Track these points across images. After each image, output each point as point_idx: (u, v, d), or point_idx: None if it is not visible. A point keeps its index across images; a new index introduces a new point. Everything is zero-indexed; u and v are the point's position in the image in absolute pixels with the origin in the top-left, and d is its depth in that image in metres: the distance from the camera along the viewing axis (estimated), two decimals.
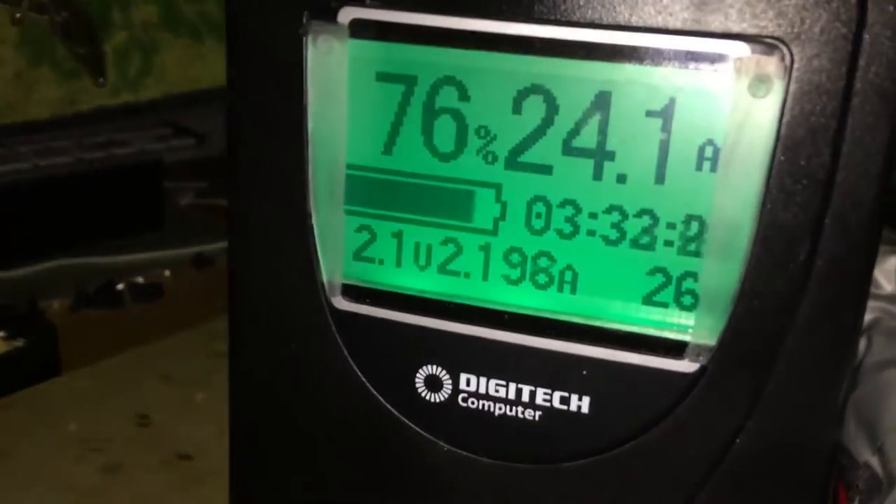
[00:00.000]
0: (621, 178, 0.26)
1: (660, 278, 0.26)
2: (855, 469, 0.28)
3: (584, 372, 0.26)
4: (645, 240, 0.26)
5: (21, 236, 0.64)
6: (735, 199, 0.24)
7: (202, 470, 0.46)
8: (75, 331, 0.59)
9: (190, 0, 0.71)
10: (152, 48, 0.69)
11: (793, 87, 0.23)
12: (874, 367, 0.30)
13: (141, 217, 0.70)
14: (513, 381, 0.27)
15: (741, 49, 0.23)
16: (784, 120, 0.23)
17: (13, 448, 0.47)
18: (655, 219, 0.26)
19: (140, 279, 0.64)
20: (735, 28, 0.23)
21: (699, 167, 0.25)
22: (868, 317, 0.31)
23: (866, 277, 0.24)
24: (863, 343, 0.31)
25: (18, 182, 0.63)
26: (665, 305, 0.26)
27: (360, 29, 0.26)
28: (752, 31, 0.23)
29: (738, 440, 0.26)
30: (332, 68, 0.27)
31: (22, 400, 0.52)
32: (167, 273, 0.65)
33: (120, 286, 0.63)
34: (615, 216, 0.26)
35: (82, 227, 0.67)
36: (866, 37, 0.22)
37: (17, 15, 0.56)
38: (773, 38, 0.23)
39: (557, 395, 0.27)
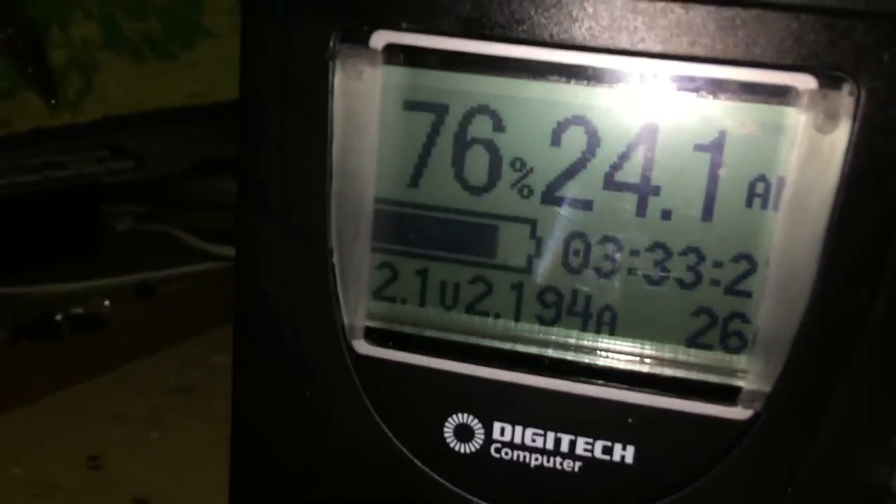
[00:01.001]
0: (666, 215, 0.25)
1: (705, 319, 0.25)
2: None
3: (629, 419, 0.25)
4: (690, 279, 0.25)
5: None
6: (795, 237, 0.23)
7: None
8: (11, 365, 0.56)
9: (132, 18, 0.68)
10: (93, 67, 0.66)
11: (860, 122, 0.22)
12: None
13: (78, 243, 0.68)
14: (551, 430, 0.26)
15: (808, 82, 0.22)
16: (850, 157, 0.22)
17: None
18: (702, 257, 0.25)
19: (79, 310, 0.61)
20: (800, 60, 0.22)
21: (749, 204, 0.24)
22: None
23: None
24: None
25: None
26: (710, 347, 0.25)
27: (393, 54, 0.24)
28: (818, 63, 0.22)
29: (790, 489, 0.25)
30: (361, 95, 0.25)
31: None
32: (107, 303, 0.62)
33: (58, 317, 0.60)
34: (658, 254, 0.25)
35: (16, 255, 0.64)
36: None
37: None
38: (840, 71, 0.22)
39: (600, 444, 0.26)
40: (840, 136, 0.22)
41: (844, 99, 0.22)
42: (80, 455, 0.50)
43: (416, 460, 0.26)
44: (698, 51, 0.23)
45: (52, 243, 0.66)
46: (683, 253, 0.25)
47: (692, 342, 0.25)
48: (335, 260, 0.26)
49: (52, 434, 0.51)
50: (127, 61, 0.69)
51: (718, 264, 0.25)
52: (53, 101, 0.57)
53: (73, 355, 0.59)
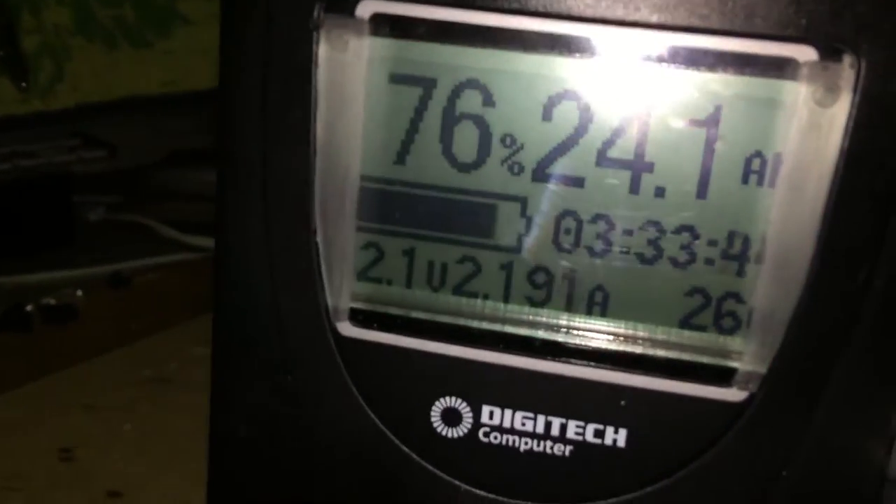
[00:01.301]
0: (660, 192, 0.24)
1: (699, 299, 0.25)
2: None
3: (622, 402, 0.24)
4: (683, 258, 0.24)
5: None
6: (793, 215, 0.23)
7: None
8: None
9: (105, 4, 0.67)
10: (65, 54, 0.65)
11: (860, 96, 0.22)
12: None
13: (50, 233, 0.67)
14: (541, 413, 0.25)
15: (808, 53, 0.22)
16: (850, 131, 0.22)
17: None
18: (696, 235, 0.24)
19: (51, 300, 0.60)
20: (800, 32, 0.21)
21: (745, 181, 0.24)
22: None
23: None
24: None
25: None
26: (703, 329, 0.25)
27: (380, 24, 0.23)
28: (818, 35, 0.21)
29: (785, 472, 0.24)
30: (347, 68, 0.24)
31: None
32: (80, 293, 0.61)
33: (29, 308, 0.58)
34: (652, 232, 0.24)
35: None
36: None
37: None
38: (841, 42, 0.21)
39: (591, 427, 0.25)
40: (840, 111, 0.22)
41: (846, 71, 0.22)
42: (53, 447, 0.48)
43: (402, 445, 0.26)
44: (695, 21, 0.22)
45: (23, 233, 0.65)
46: (677, 231, 0.24)
47: (685, 323, 0.25)
48: (319, 239, 0.25)
49: (24, 426, 0.50)
50: (100, 48, 0.68)
51: (713, 243, 0.24)
52: (24, 85, 0.56)
53: (44, 346, 0.58)
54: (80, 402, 0.53)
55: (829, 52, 0.22)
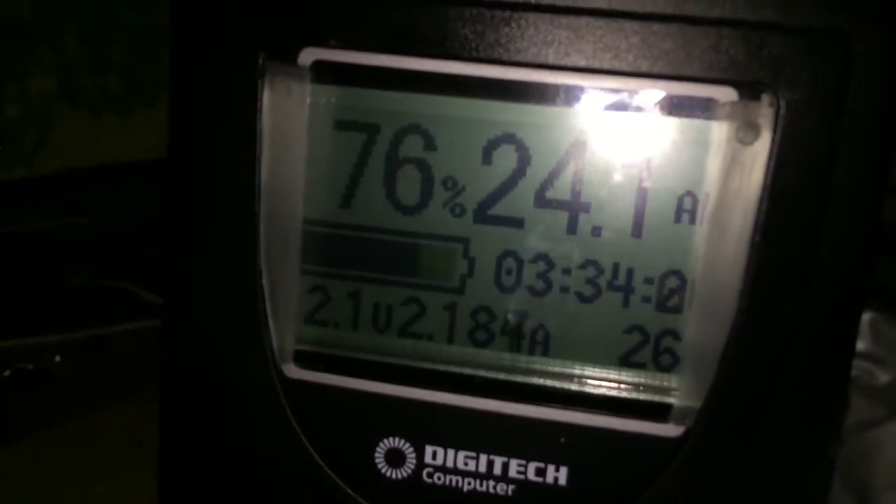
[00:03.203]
0: (597, 231, 0.25)
1: (637, 337, 0.25)
2: None
3: (562, 439, 0.25)
4: (621, 296, 0.25)
5: None
6: (720, 251, 0.23)
7: None
8: None
9: (90, 72, 0.68)
10: (49, 121, 0.66)
11: (780, 132, 0.22)
12: (856, 427, 0.29)
13: (29, 298, 0.66)
14: (483, 453, 0.25)
15: (728, 94, 0.22)
16: (771, 167, 0.22)
17: None
18: (632, 273, 0.25)
19: (28, 366, 0.59)
20: (721, 73, 0.22)
21: (678, 219, 0.24)
22: None
23: (853, 333, 0.24)
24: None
25: None
26: (643, 367, 0.25)
27: (322, 72, 0.24)
28: (738, 76, 0.22)
29: None
30: (290, 114, 0.25)
31: None
32: (58, 358, 0.61)
33: (6, 373, 0.58)
34: (590, 271, 0.25)
35: None
36: (852, 81, 0.22)
37: None
38: (760, 82, 0.22)
39: (533, 466, 0.25)
40: (762, 148, 0.23)
41: (764, 109, 0.22)
42: None
43: (346, 487, 0.26)
44: (624, 66, 0.23)
45: (2, 297, 0.65)
46: (614, 269, 0.25)
47: (625, 361, 0.25)
48: (264, 282, 0.25)
49: None
50: (84, 115, 0.69)
51: (649, 280, 0.25)
52: (0, 147, 0.56)
53: (19, 412, 0.57)
54: (54, 467, 0.53)
55: (749, 92, 0.22)
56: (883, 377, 0.30)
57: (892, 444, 0.28)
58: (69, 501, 0.49)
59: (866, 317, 0.30)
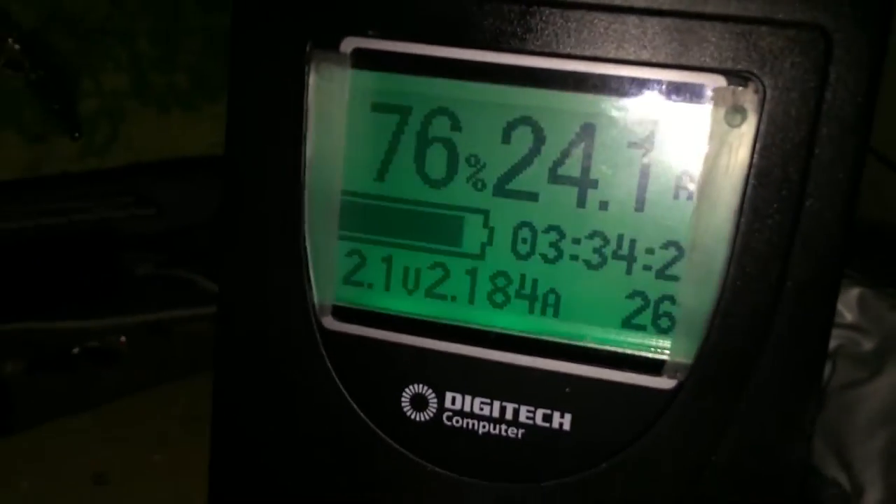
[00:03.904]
0: (603, 206, 0.27)
1: (638, 301, 0.28)
2: (823, 486, 0.29)
3: (567, 389, 0.27)
4: (624, 264, 0.28)
5: None
6: (711, 224, 0.26)
7: None
8: (29, 393, 0.58)
9: (159, 71, 0.72)
10: (120, 116, 0.70)
11: (765, 117, 0.25)
12: (838, 388, 0.31)
13: (98, 283, 0.70)
14: (497, 399, 0.28)
15: (718, 81, 0.25)
16: (757, 148, 0.25)
17: None
18: (635, 244, 0.27)
19: (96, 344, 0.63)
20: (712, 62, 0.25)
21: (676, 196, 0.27)
22: (833, 343, 0.33)
23: (832, 299, 0.26)
24: (829, 368, 0.32)
25: None
26: (643, 328, 0.28)
27: (361, 59, 0.28)
28: (727, 64, 0.25)
29: (714, 456, 0.27)
30: (333, 97, 0.28)
31: None
32: (123, 339, 0.64)
33: (75, 350, 0.62)
34: (597, 241, 0.28)
35: (40, 292, 0.66)
36: (832, 71, 0.24)
37: None
38: (747, 71, 0.25)
39: (540, 412, 0.28)
40: (748, 130, 0.25)
41: (750, 95, 0.25)
42: (87, 473, 0.51)
43: (375, 427, 0.29)
44: (626, 55, 0.26)
45: (75, 283, 0.69)
46: (619, 240, 0.27)
47: (627, 323, 0.28)
48: (308, 246, 0.29)
49: (61, 453, 0.53)
50: (153, 111, 0.73)
51: (650, 251, 0.27)
52: (77, 135, 0.60)
53: (87, 386, 0.61)
54: (115, 435, 0.56)
55: (737, 80, 0.25)
56: (867, 345, 0.32)
57: (868, 402, 0.30)
58: (129, 466, 0.53)
59: (855, 291, 0.33)
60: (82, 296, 0.68)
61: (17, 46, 0.56)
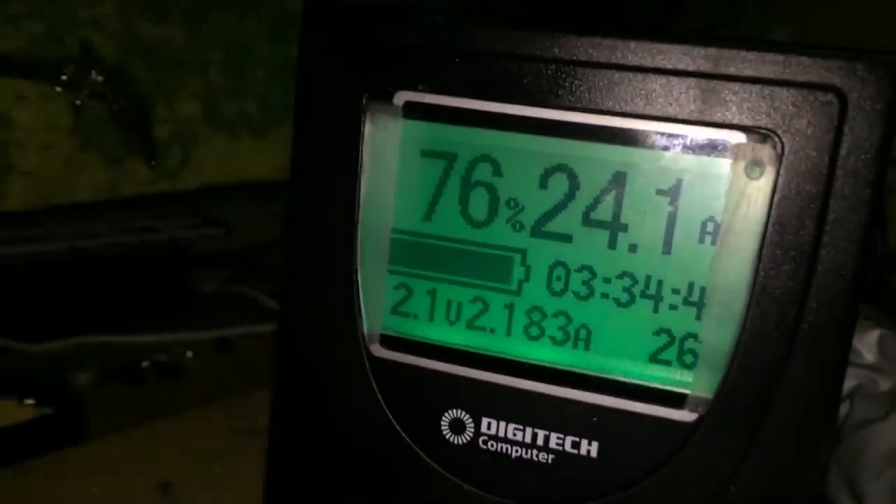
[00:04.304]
0: (633, 248, 0.29)
1: (665, 338, 0.30)
2: None
3: (594, 419, 0.29)
4: (652, 303, 0.29)
5: (53, 313, 0.66)
6: (732, 268, 0.28)
7: None
8: (100, 404, 0.61)
9: (231, 98, 0.75)
10: (193, 142, 0.73)
11: (783, 170, 0.27)
12: (855, 426, 0.33)
13: (168, 300, 0.73)
14: (529, 426, 0.30)
15: (739, 137, 0.27)
16: (775, 199, 0.27)
17: None
18: (662, 285, 0.29)
19: (164, 358, 0.66)
20: (734, 120, 0.27)
21: (701, 240, 0.29)
22: (852, 383, 0.34)
23: (846, 341, 0.28)
24: (847, 406, 0.34)
25: (55, 262, 0.66)
26: (669, 364, 0.30)
27: (412, 110, 0.30)
28: (748, 122, 0.27)
29: (732, 487, 0.29)
30: (386, 144, 0.31)
31: (47, 463, 0.54)
32: (189, 354, 0.67)
33: (144, 364, 0.65)
34: (626, 281, 0.30)
35: (112, 307, 0.69)
36: (846, 130, 0.26)
37: (77, 102, 0.60)
38: (766, 128, 0.27)
39: (569, 439, 0.30)
40: (766, 182, 0.27)
41: (768, 150, 0.27)
42: (153, 480, 0.54)
43: (416, 448, 0.31)
44: (654, 111, 0.28)
45: (145, 299, 0.72)
46: (647, 281, 0.29)
47: (654, 358, 0.30)
48: (359, 278, 0.31)
49: (130, 462, 0.56)
50: (223, 137, 0.76)
51: (676, 291, 0.29)
52: (153, 162, 0.64)
53: (154, 398, 0.64)
54: (180, 445, 0.59)
55: (756, 136, 0.27)
56: (884, 385, 0.33)
57: (880, 440, 0.32)
58: (191, 475, 0.55)
59: (875, 333, 0.34)
60: (152, 311, 0.71)
61: (100, 79, 0.60)
